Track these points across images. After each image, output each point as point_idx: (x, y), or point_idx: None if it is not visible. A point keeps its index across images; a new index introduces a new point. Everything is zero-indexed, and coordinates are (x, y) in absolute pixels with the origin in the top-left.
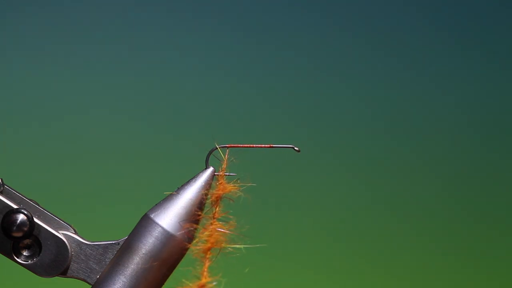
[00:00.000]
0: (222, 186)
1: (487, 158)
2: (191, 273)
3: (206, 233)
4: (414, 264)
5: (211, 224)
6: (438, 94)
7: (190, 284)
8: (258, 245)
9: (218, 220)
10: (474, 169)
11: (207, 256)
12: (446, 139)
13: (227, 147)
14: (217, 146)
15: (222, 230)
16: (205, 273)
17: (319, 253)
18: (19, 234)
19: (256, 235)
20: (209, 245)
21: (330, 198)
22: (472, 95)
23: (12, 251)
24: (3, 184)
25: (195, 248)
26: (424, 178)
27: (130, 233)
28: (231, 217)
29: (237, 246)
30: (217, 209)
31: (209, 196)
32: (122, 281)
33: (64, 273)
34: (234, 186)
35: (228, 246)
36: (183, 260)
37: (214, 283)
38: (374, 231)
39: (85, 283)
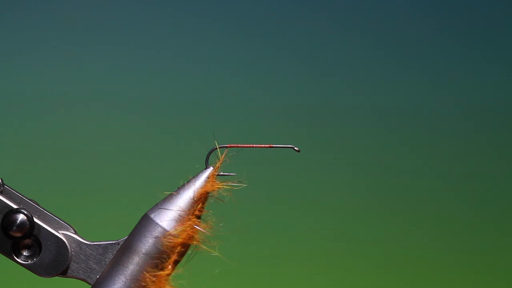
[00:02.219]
0: (210, 184)
1: (489, 158)
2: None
3: (181, 228)
4: (415, 264)
5: (189, 219)
6: (439, 93)
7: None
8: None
9: (198, 217)
10: (476, 168)
11: (176, 250)
12: (447, 139)
13: (227, 147)
14: (217, 146)
15: (198, 228)
16: (169, 266)
17: (319, 253)
18: (19, 234)
19: (255, 234)
20: (180, 240)
21: (330, 197)
22: (474, 95)
23: (12, 251)
24: (3, 184)
25: (167, 240)
26: (425, 177)
27: (130, 233)
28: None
29: (207, 246)
30: (199, 206)
31: (195, 191)
32: (122, 281)
33: (64, 273)
34: (223, 185)
35: (199, 244)
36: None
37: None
38: (374, 231)
39: (85, 283)
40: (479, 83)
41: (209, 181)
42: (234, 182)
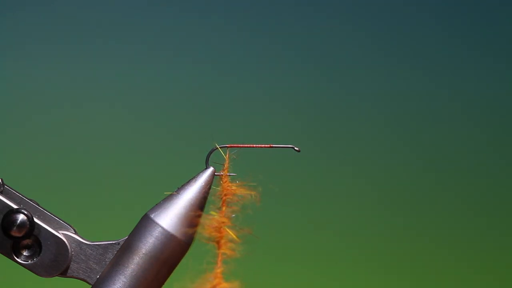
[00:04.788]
0: (226, 186)
1: (491, 158)
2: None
3: (214, 229)
4: (415, 263)
5: (220, 223)
6: (440, 92)
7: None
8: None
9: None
10: (477, 168)
11: (220, 248)
12: (447, 138)
13: (227, 147)
14: (217, 146)
15: (229, 230)
16: (219, 269)
17: (319, 252)
18: (19, 234)
19: (257, 235)
20: (218, 238)
21: (330, 197)
22: (474, 94)
23: (12, 251)
24: (3, 184)
25: (208, 241)
26: (425, 177)
27: (130, 233)
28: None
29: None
30: (224, 209)
31: (213, 195)
32: (122, 281)
33: (64, 273)
34: (240, 186)
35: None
36: (183, 260)
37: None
38: (375, 230)
39: (85, 283)
40: (480, 83)
41: (225, 183)
42: (240, 182)
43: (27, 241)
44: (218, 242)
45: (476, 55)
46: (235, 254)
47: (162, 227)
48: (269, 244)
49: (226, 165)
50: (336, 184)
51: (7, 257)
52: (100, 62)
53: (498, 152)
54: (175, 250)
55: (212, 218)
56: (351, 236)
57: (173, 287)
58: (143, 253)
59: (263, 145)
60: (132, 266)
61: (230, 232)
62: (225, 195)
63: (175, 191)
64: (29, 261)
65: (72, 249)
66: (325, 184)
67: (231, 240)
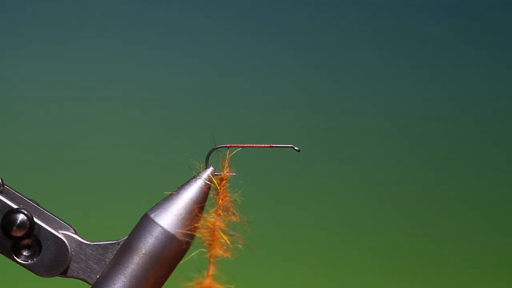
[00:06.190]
0: (223, 188)
1: (492, 157)
2: (195, 272)
3: (207, 229)
4: (415, 263)
5: (215, 226)
6: (440, 92)
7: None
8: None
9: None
10: (478, 167)
11: (212, 252)
12: (448, 137)
13: (227, 147)
14: (217, 146)
15: (223, 231)
16: (211, 271)
17: (320, 252)
18: (19, 234)
19: (256, 234)
20: (211, 240)
21: (330, 197)
22: (475, 93)
23: (12, 251)
24: (3, 184)
25: (200, 243)
26: (426, 177)
27: (130, 233)
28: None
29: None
30: (219, 211)
31: (212, 195)
32: (122, 281)
33: (64, 273)
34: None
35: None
36: (183, 260)
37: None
38: (376, 230)
39: (85, 283)
40: (480, 83)
41: (221, 186)
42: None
43: (27, 241)
44: (210, 245)
45: (476, 55)
46: (227, 256)
47: (162, 227)
48: (269, 244)
49: (225, 165)
50: (336, 183)
51: (7, 257)
52: (100, 62)
53: (498, 151)
54: (175, 250)
55: (206, 220)
56: (350, 236)
57: None
58: (143, 253)
59: (263, 145)
60: (132, 266)
61: (223, 236)
62: (222, 198)
63: (175, 191)
64: (29, 261)
65: (72, 249)
66: (325, 184)
67: (223, 243)
